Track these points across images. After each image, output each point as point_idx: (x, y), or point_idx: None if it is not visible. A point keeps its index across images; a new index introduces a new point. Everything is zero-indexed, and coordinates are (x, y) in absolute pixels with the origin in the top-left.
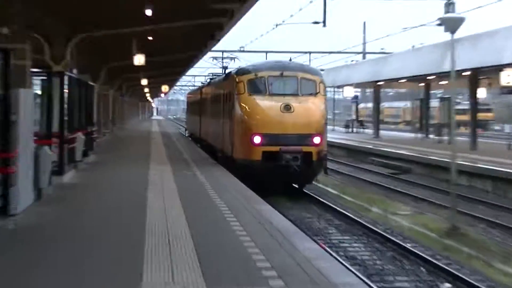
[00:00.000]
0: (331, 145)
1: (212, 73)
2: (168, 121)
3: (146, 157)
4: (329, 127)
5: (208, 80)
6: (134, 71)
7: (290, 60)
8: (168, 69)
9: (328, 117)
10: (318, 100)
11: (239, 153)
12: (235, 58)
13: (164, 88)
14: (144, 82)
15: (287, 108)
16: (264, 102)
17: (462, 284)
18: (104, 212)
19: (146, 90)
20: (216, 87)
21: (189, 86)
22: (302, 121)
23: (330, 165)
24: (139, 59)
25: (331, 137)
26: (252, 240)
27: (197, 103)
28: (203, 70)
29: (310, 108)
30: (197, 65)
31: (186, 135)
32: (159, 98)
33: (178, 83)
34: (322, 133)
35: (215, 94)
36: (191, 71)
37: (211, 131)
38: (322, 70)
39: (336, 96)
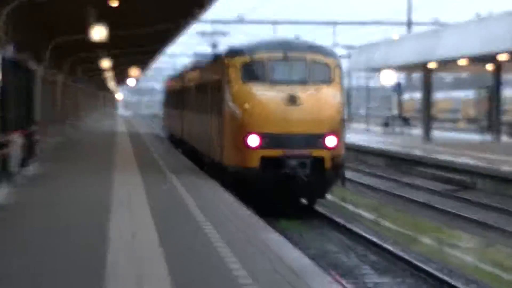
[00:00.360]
0: (363, 151)
1: (197, 53)
2: (140, 119)
3: (109, 166)
4: (360, 126)
5: (192, 63)
6: (92, 49)
7: (297, 37)
8: (138, 47)
9: (360, 111)
10: (332, 90)
11: (231, 158)
12: (227, 33)
13: (134, 72)
14: (105, 64)
15: (293, 100)
16: (262, 93)
17: None
18: (39, 263)
19: (109, 75)
20: (202, 73)
21: (170, 69)
22: (312, 117)
23: (361, 178)
24: (99, 33)
25: (362, 140)
26: None
27: (178, 94)
28: (189, 47)
29: (322, 100)
30: (180, 40)
31: (164, 136)
32: (127, 87)
33: (153, 65)
34: (338, 133)
35: (201, 82)
36: (172, 49)
37: (195, 131)
38: (349, 48)
39: (371, 84)
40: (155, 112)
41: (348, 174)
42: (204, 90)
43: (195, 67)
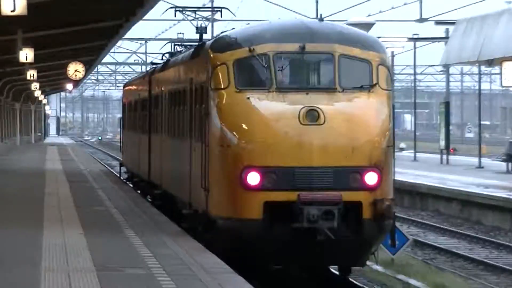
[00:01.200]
0: (480, 203)
1: (171, 40)
2: (85, 148)
3: (36, 235)
4: (471, 159)
5: (164, 60)
6: (3, 30)
7: (321, 19)
8: (79, 30)
9: (468, 135)
10: (375, 100)
11: (220, 206)
12: (221, 9)
13: (75, 69)
14: (26, 55)
15: (313, 116)
16: (266, 105)
17: None
18: None
19: (32, 74)
20: (177, 75)
21: (137, 65)
22: (342, 141)
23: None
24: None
25: (475, 183)
26: None
27: (142, 109)
28: (166, 29)
29: (358, 116)
30: (152, 16)
31: (122, 175)
32: (65, 94)
33: (108, 59)
34: (382, 166)
35: (176, 88)
36: (140, 29)
37: (169, 167)
38: (444, 23)
39: (485, 85)
40: (112, 137)
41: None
42: (182, 102)
43: (165, 66)
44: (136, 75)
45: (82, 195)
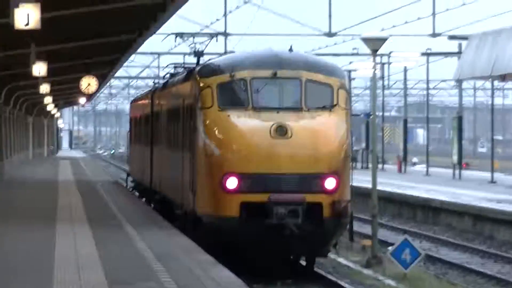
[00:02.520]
0: (492, 218)
1: (173, 64)
2: (97, 162)
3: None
4: (483, 174)
5: (165, 80)
6: (15, 42)
7: (291, 49)
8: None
9: (481, 149)
10: (335, 118)
11: (205, 206)
12: (217, 35)
13: (88, 83)
14: (39, 69)
15: (282, 131)
16: (244, 122)
17: None
18: None
19: (45, 88)
20: (173, 95)
21: (150, 79)
22: (306, 152)
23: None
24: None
25: (488, 198)
26: None
27: (146, 124)
28: (179, 43)
29: (320, 131)
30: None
31: (129, 185)
32: (77, 108)
33: (121, 73)
34: (340, 173)
35: (172, 106)
36: (153, 42)
37: (166, 175)
38: (457, 38)
39: (497, 100)
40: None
41: None
42: (176, 118)
43: (165, 86)
44: (145, 91)
45: (93, 206)
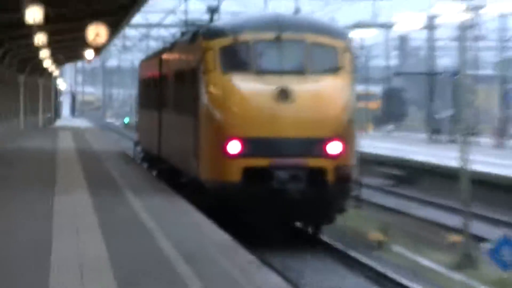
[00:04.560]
0: None
1: (185, 21)
2: (108, 134)
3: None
4: None
5: (174, 39)
6: None
7: (296, 12)
8: None
9: None
10: (339, 81)
11: (208, 171)
12: None
13: (95, 32)
14: (34, 15)
15: (285, 94)
16: (246, 86)
17: None
18: None
19: (42, 40)
20: (180, 57)
21: (174, 27)
22: (309, 116)
23: None
24: None
25: None
26: None
27: (154, 87)
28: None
29: (323, 95)
30: None
31: (137, 155)
32: (82, 64)
33: (138, 19)
34: (344, 137)
35: (178, 69)
36: None
37: (173, 142)
38: None
39: None
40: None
41: None
42: (182, 81)
43: (175, 47)
44: (156, 49)
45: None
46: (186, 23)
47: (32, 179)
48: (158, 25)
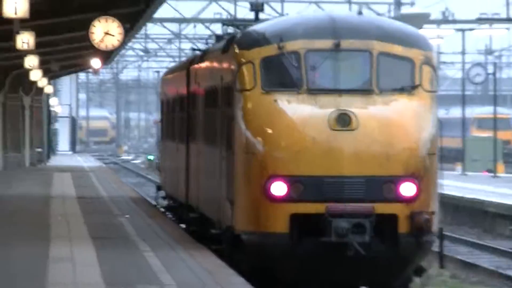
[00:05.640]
0: None
1: (223, 20)
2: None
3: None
4: None
5: (205, 47)
6: None
7: (360, 13)
8: None
9: None
10: (416, 103)
11: (244, 219)
12: None
13: (105, 31)
14: (15, 7)
15: (345, 120)
16: (295, 109)
17: None
18: None
19: (27, 41)
20: (211, 70)
21: (217, 22)
22: (376, 148)
23: None
24: None
25: None
26: None
27: (180, 110)
28: None
29: (395, 121)
30: None
31: (159, 201)
32: (86, 77)
33: (166, 12)
34: (421, 175)
35: (210, 86)
36: None
37: (203, 184)
38: None
39: None
40: None
41: None
42: (214, 103)
43: (206, 56)
44: (183, 60)
45: None
46: (223, 22)
47: (11, 248)
48: (195, 19)
